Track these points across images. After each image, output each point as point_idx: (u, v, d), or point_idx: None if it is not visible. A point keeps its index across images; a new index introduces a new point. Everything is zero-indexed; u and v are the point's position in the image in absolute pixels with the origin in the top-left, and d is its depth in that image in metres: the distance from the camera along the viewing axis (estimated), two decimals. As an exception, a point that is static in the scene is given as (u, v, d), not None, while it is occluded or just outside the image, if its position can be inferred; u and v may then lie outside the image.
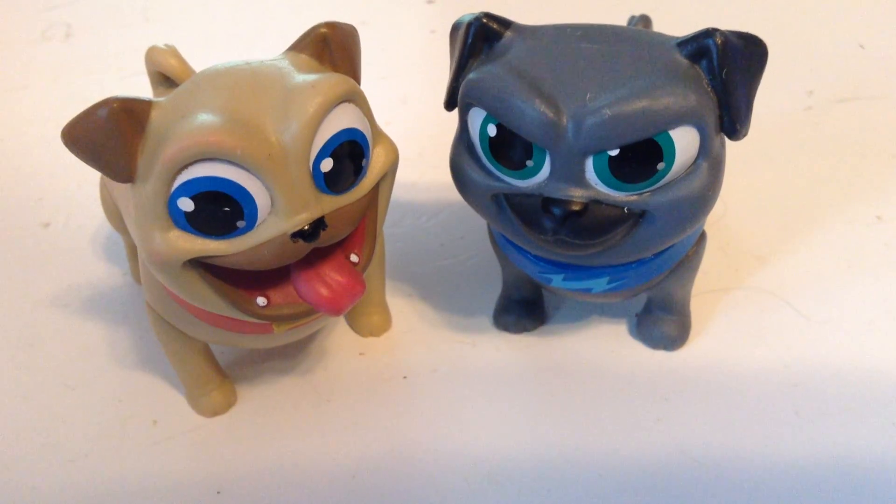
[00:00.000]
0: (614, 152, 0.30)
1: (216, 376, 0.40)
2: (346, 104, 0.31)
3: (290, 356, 0.42)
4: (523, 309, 0.42)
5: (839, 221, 0.48)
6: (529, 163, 0.32)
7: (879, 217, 0.48)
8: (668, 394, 0.39)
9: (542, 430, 0.38)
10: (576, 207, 0.31)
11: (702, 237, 0.38)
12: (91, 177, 0.47)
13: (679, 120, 0.30)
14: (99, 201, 0.45)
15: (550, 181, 0.32)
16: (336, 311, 0.32)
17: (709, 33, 0.31)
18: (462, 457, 0.37)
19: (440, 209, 0.50)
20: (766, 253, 0.46)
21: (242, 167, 0.28)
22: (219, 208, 0.29)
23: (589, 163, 0.31)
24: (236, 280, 0.32)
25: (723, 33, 0.31)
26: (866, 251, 0.46)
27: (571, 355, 0.42)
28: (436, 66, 0.51)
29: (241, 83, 0.30)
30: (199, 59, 0.38)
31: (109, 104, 0.28)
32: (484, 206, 0.34)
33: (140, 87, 0.38)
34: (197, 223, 0.29)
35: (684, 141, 0.31)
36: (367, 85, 0.33)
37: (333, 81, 0.30)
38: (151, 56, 0.39)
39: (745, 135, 0.32)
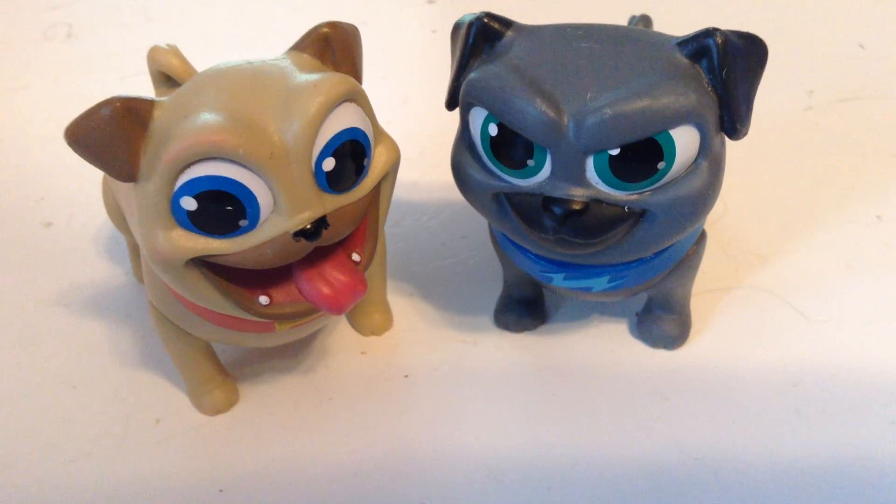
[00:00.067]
0: (615, 151, 0.30)
1: (218, 375, 0.40)
2: (347, 104, 0.31)
3: (291, 355, 0.42)
4: (524, 308, 0.42)
5: (839, 221, 0.48)
6: (530, 162, 0.32)
7: (879, 217, 0.48)
8: (669, 393, 0.40)
9: (542, 429, 0.38)
10: (576, 206, 0.31)
11: (702, 236, 0.38)
12: (93, 176, 0.47)
13: (679, 119, 0.30)
14: (101, 201, 0.45)
15: (551, 180, 0.32)
16: (338, 310, 0.32)
17: (709, 33, 0.31)
18: (463, 455, 0.38)
19: (441, 209, 0.50)
20: (767, 252, 0.46)
21: (245, 166, 0.29)
22: (221, 207, 0.29)
23: (590, 162, 0.31)
24: (239, 279, 0.32)
25: (723, 33, 0.31)
26: (866, 251, 0.46)
27: (572, 354, 0.42)
28: (436, 66, 0.51)
29: (243, 83, 0.30)
30: (201, 59, 0.38)
31: (112, 103, 0.28)
32: (485, 205, 0.35)
33: (141, 87, 0.38)
34: (200, 222, 0.29)
35: (684, 140, 0.31)
36: (368, 85, 0.33)
37: (335, 81, 0.30)
38: (153, 56, 0.39)
39: (745, 134, 0.32)
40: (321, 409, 0.40)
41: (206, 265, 0.31)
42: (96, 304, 0.45)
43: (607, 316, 0.43)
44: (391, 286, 0.45)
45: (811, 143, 0.54)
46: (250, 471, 0.37)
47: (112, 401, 0.41)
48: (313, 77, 0.30)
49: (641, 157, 0.31)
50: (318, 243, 0.31)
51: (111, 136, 0.29)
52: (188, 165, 0.28)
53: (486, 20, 0.33)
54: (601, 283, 0.36)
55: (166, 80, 0.39)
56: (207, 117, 0.28)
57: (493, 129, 0.32)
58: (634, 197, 0.32)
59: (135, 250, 0.45)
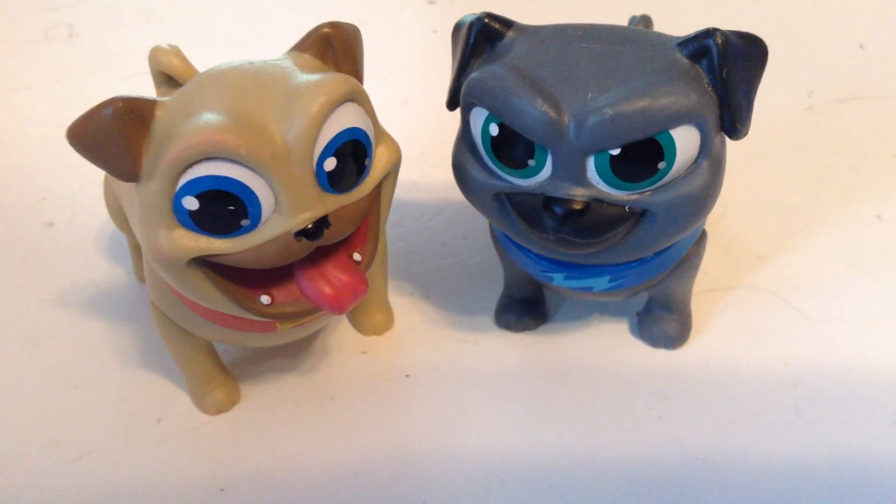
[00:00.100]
0: (615, 151, 0.30)
1: (220, 374, 0.40)
2: (349, 104, 0.31)
3: (292, 355, 0.42)
4: (525, 308, 0.43)
5: (839, 221, 0.48)
6: (531, 162, 0.32)
7: (880, 216, 0.48)
8: (669, 392, 0.40)
9: (543, 428, 0.38)
10: (577, 206, 0.31)
11: (702, 236, 0.38)
12: (94, 176, 0.47)
13: (680, 119, 0.30)
14: (102, 201, 0.45)
15: (552, 180, 0.32)
16: (339, 310, 0.32)
17: (709, 33, 0.31)
18: (464, 454, 0.38)
19: (442, 209, 0.50)
20: (767, 252, 0.46)
21: (246, 166, 0.29)
22: (223, 207, 0.29)
23: (590, 162, 0.31)
24: (240, 278, 0.32)
25: (723, 33, 0.31)
26: (866, 250, 0.46)
27: (572, 354, 0.42)
28: (437, 67, 0.52)
29: (244, 83, 0.30)
30: (202, 59, 0.39)
31: (114, 103, 0.28)
32: (486, 205, 0.35)
33: (142, 88, 0.38)
34: (201, 222, 0.29)
35: (685, 140, 0.31)
36: (369, 85, 0.33)
37: (336, 81, 0.30)
38: (155, 56, 0.39)
39: (745, 134, 0.33)
40: (322, 408, 0.40)
41: (208, 265, 0.31)
42: (98, 303, 0.46)
43: (608, 316, 0.43)
44: (392, 286, 0.45)
45: (811, 143, 0.54)
46: (251, 470, 0.37)
47: (113, 400, 0.41)
48: (315, 77, 0.30)
49: (642, 156, 0.31)
50: (320, 243, 0.31)
51: (113, 135, 0.29)
52: (190, 165, 0.28)
53: (486, 20, 0.34)
54: (602, 282, 0.36)
55: (168, 80, 0.39)
56: (209, 117, 0.29)
57: (493, 129, 0.32)
58: (635, 197, 0.32)
59: (136, 250, 0.46)
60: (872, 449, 0.37)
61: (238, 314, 0.33)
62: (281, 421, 0.39)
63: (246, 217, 0.29)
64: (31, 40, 0.69)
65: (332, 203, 0.31)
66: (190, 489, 0.37)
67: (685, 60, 0.31)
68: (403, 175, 0.36)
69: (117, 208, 0.42)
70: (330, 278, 0.32)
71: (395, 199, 0.36)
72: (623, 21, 0.46)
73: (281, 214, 0.30)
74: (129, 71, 0.64)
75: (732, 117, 0.32)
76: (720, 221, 0.48)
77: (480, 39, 0.34)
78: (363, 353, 0.43)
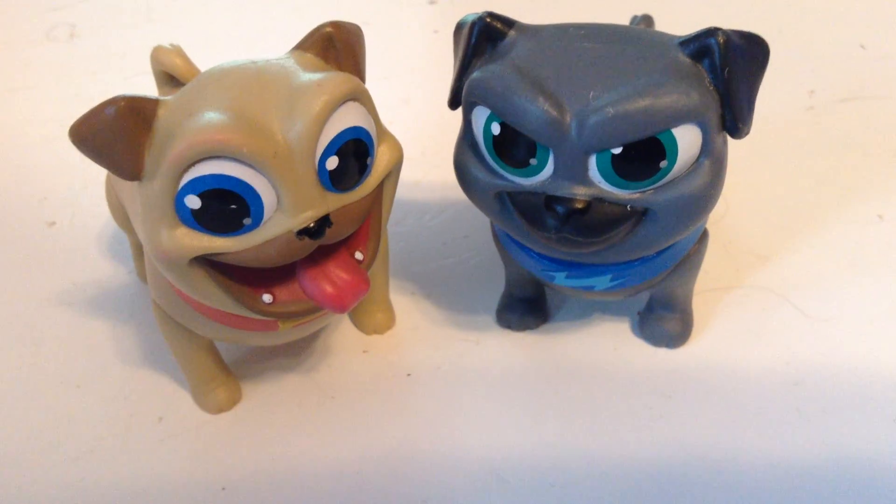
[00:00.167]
0: (617, 150, 0.30)
1: (221, 373, 0.40)
2: (351, 103, 0.31)
3: (294, 354, 0.42)
4: (526, 307, 0.43)
5: (841, 220, 0.48)
6: (533, 161, 0.32)
7: (881, 216, 0.48)
8: (670, 391, 0.40)
9: (544, 427, 0.39)
10: (579, 205, 0.31)
11: (704, 235, 0.38)
12: (96, 176, 0.47)
13: (681, 118, 0.30)
14: (104, 200, 0.45)
15: (554, 179, 0.32)
16: (341, 309, 0.33)
17: (711, 32, 0.31)
18: (465, 453, 0.38)
19: (443, 208, 0.51)
20: (768, 252, 0.46)
21: (249, 165, 0.29)
22: (225, 206, 0.29)
23: (592, 161, 0.31)
24: (242, 277, 0.32)
25: (725, 32, 0.31)
26: (868, 250, 0.46)
27: (574, 353, 0.42)
28: (438, 66, 0.52)
29: (247, 82, 0.30)
30: (204, 59, 0.39)
31: (117, 102, 0.28)
32: (487, 204, 0.35)
33: (144, 88, 0.38)
34: (204, 220, 0.29)
35: (687, 139, 0.31)
36: (370, 85, 0.33)
37: (339, 80, 0.30)
38: (157, 55, 0.39)
39: (746, 133, 0.33)
40: (323, 407, 0.40)
41: (210, 263, 0.31)
42: (99, 303, 0.46)
43: (609, 315, 0.44)
44: (393, 285, 0.45)
45: (812, 142, 0.54)
46: (253, 469, 0.37)
47: (115, 399, 0.41)
48: (317, 76, 0.30)
49: (644, 155, 0.31)
50: (322, 242, 0.31)
51: (115, 134, 0.29)
52: (192, 164, 0.28)
53: (488, 20, 0.34)
54: (603, 281, 0.36)
55: (170, 79, 0.39)
56: (211, 116, 0.29)
57: (495, 129, 0.32)
58: (637, 196, 0.32)
59: (138, 249, 0.46)
60: (873, 448, 0.37)
61: (240, 313, 0.33)
62: (282, 420, 0.39)
63: (248, 216, 0.29)
64: (33, 40, 0.69)
65: (333, 202, 0.31)
66: (191, 488, 0.37)
67: (687, 60, 0.31)
68: (405, 174, 0.36)
69: (119, 207, 0.42)
70: (332, 277, 0.32)
71: (396, 198, 0.36)
72: (625, 21, 0.46)
73: (283, 213, 0.30)
74: (131, 71, 0.64)
75: (734, 116, 0.32)
76: (721, 221, 0.48)
77: (482, 39, 0.34)
78: (364, 352, 0.43)
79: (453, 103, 0.36)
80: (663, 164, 0.31)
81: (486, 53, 0.34)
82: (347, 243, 0.34)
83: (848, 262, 0.45)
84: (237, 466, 0.38)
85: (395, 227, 0.49)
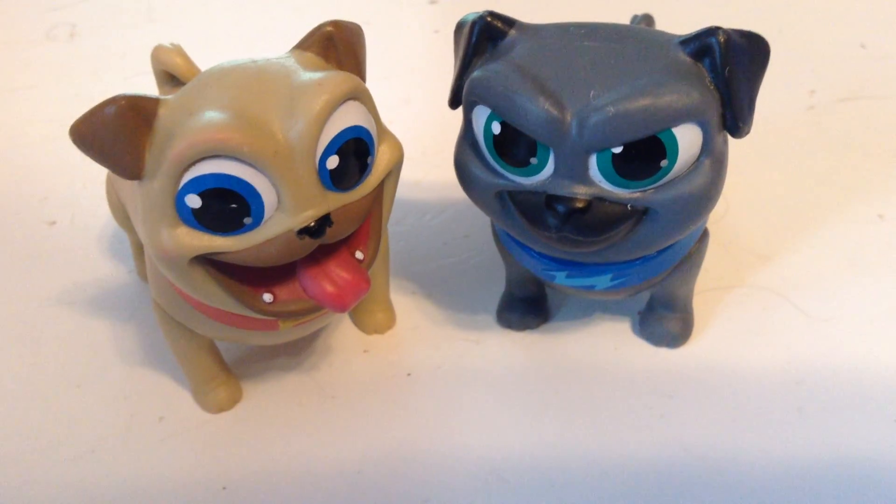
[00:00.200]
0: (618, 150, 0.30)
1: (222, 373, 0.40)
2: (351, 102, 0.31)
3: (294, 353, 0.42)
4: (527, 307, 0.43)
5: (841, 220, 0.48)
6: (533, 160, 0.32)
7: (881, 216, 0.48)
8: (671, 391, 0.40)
9: (544, 427, 0.39)
10: (579, 204, 0.31)
11: (704, 235, 0.38)
12: (97, 175, 0.47)
13: (682, 117, 0.30)
14: (104, 199, 0.45)
15: (554, 178, 0.32)
16: (341, 308, 0.33)
17: (711, 31, 0.31)
18: (465, 453, 0.38)
19: (444, 208, 0.51)
20: (769, 251, 0.46)
21: (249, 164, 0.29)
22: (226, 205, 0.29)
23: (593, 160, 0.31)
24: (243, 277, 0.32)
25: (725, 31, 0.31)
26: (868, 249, 0.46)
27: (574, 353, 0.42)
28: (438, 66, 0.52)
29: (247, 81, 0.30)
30: (204, 58, 0.39)
31: (117, 101, 0.28)
32: (488, 203, 0.35)
33: (144, 87, 0.38)
34: (204, 220, 0.29)
35: (687, 138, 0.31)
36: (370, 84, 0.33)
37: (339, 79, 0.30)
38: (157, 55, 0.39)
39: (747, 132, 0.33)
40: (324, 407, 0.40)
41: (211, 263, 0.31)
42: (99, 302, 0.46)
43: (610, 315, 0.44)
44: (394, 285, 0.45)
45: (813, 142, 0.54)
46: (253, 468, 0.37)
47: (115, 399, 0.41)
48: (317, 75, 0.30)
49: (644, 155, 0.31)
50: (322, 241, 0.31)
51: (116, 134, 0.29)
52: (193, 163, 0.28)
53: (489, 19, 0.34)
54: (604, 281, 0.36)
55: (170, 79, 0.39)
56: (212, 115, 0.29)
57: (496, 128, 0.32)
58: (637, 195, 0.32)
59: (138, 248, 0.46)
60: (874, 447, 0.37)
61: (240, 312, 0.33)
62: (283, 419, 0.39)
63: (248, 215, 0.29)
64: (33, 40, 0.69)
65: (334, 201, 0.31)
66: (192, 487, 0.37)
67: (687, 59, 0.31)
68: (405, 174, 0.36)
69: (119, 207, 0.42)
70: (332, 276, 0.32)
71: (396, 197, 0.36)
72: (625, 20, 0.46)
73: (283, 212, 0.30)
74: (131, 70, 0.64)
75: (734, 116, 0.32)
76: (722, 220, 0.48)
77: (483, 38, 0.34)
78: (365, 351, 0.43)
79: (454, 103, 0.36)
80: (664, 163, 0.31)
81: (486, 53, 0.34)
82: (348, 243, 0.34)
83: (848, 261, 0.45)
84: (238, 466, 0.38)
85: (396, 226, 0.49)
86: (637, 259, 0.36)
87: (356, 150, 0.31)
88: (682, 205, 0.32)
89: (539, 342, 0.42)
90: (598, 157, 0.31)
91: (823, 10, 0.66)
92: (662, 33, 0.33)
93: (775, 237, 0.47)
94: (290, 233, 0.30)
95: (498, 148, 0.33)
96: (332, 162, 0.30)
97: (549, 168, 0.32)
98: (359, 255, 0.34)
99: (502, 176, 0.33)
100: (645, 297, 0.42)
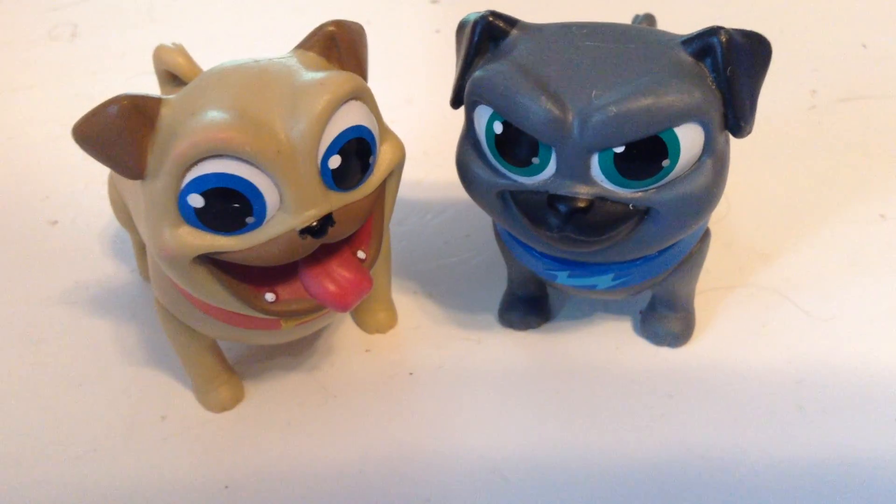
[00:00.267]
0: (620, 149, 0.30)
1: (224, 372, 0.40)
2: (353, 102, 0.31)
3: (297, 353, 0.42)
4: (528, 306, 0.43)
5: (843, 220, 0.48)
6: (535, 160, 0.32)
7: (883, 215, 0.48)
8: (672, 390, 0.40)
9: (546, 426, 0.39)
10: (581, 204, 0.31)
11: (706, 234, 0.38)
12: (98, 175, 0.47)
13: (684, 117, 0.30)
14: (106, 199, 0.45)
15: (556, 178, 0.32)
16: (343, 307, 0.33)
17: (713, 31, 0.31)
18: (467, 452, 0.38)
19: (445, 207, 0.51)
20: (770, 251, 0.46)
21: (252, 164, 0.29)
22: (228, 204, 0.29)
23: (594, 160, 0.31)
24: (245, 276, 0.32)
25: (727, 31, 0.31)
26: (870, 249, 0.46)
27: (576, 352, 0.42)
28: (440, 66, 0.52)
29: (249, 81, 0.30)
30: (206, 58, 0.39)
31: (120, 101, 0.28)
32: (490, 203, 0.35)
33: (146, 87, 0.38)
34: (207, 219, 0.29)
35: (689, 138, 0.31)
36: (372, 84, 0.33)
37: (341, 79, 0.30)
38: (159, 55, 0.39)
39: (749, 132, 0.33)
40: (326, 406, 0.40)
41: (213, 262, 0.31)
42: (101, 302, 0.46)
43: (611, 314, 0.44)
44: (395, 284, 0.45)
45: (814, 142, 0.54)
46: (256, 467, 0.38)
47: (117, 398, 0.41)
48: (319, 75, 0.30)
49: (646, 154, 0.31)
50: (324, 241, 0.31)
51: (119, 133, 0.29)
52: (195, 163, 0.28)
53: (491, 19, 0.34)
54: (605, 280, 0.36)
55: (172, 79, 0.39)
56: (215, 115, 0.29)
57: (497, 127, 0.32)
58: (639, 195, 0.32)
59: (140, 248, 0.46)
60: (875, 446, 0.37)
61: (243, 312, 0.33)
62: (285, 418, 0.39)
63: (251, 215, 0.30)
64: (35, 40, 0.69)
65: (336, 201, 0.31)
66: (194, 486, 0.37)
67: (689, 58, 0.31)
68: (407, 174, 0.36)
69: (122, 206, 0.42)
70: (334, 276, 0.33)
71: (398, 197, 0.36)
72: (627, 19, 0.46)
73: (286, 212, 0.30)
74: (133, 70, 0.64)
75: (736, 115, 0.32)
76: (723, 220, 0.48)
77: (484, 38, 0.34)
78: (367, 351, 0.43)
79: (455, 102, 0.36)
80: (665, 163, 0.31)
81: (488, 52, 0.34)
82: (350, 242, 0.34)
83: (850, 261, 0.45)
84: (240, 465, 0.38)
85: (398, 226, 0.49)
86: (638, 259, 0.36)
87: (358, 150, 0.31)
88: (683, 204, 0.32)
89: (540, 342, 0.43)
90: (599, 157, 0.31)
91: (825, 10, 0.66)
92: (664, 33, 0.33)
93: (777, 237, 0.47)
94: (292, 232, 0.30)
95: (500, 148, 0.33)
96: (335, 161, 0.30)
97: (551, 168, 0.32)
98: (361, 254, 0.34)
99: (504, 176, 0.33)
100: (646, 296, 0.42)
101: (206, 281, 0.31)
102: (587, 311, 0.44)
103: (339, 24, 0.33)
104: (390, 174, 0.34)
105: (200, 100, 0.30)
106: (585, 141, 0.30)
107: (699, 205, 0.32)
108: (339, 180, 0.31)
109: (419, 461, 0.37)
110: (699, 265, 0.39)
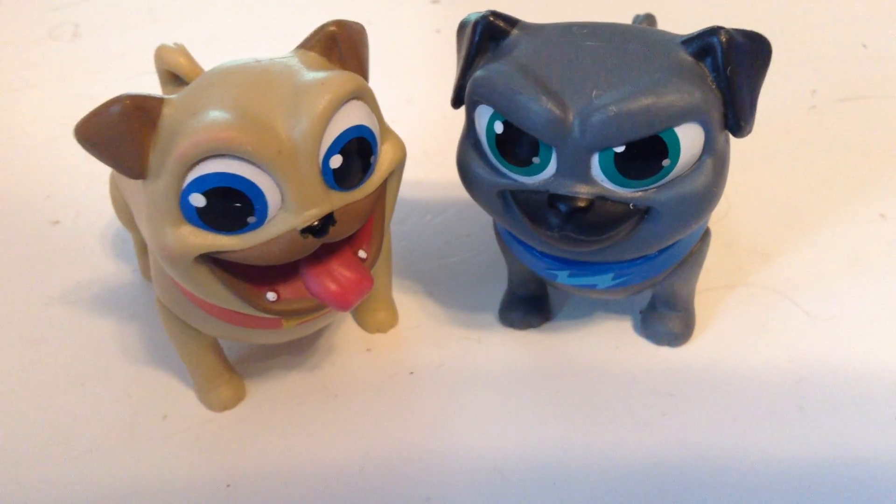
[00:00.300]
0: (620, 149, 0.30)
1: (225, 371, 0.40)
2: (354, 101, 0.31)
3: (298, 352, 0.42)
4: (529, 305, 0.43)
5: (843, 219, 0.48)
6: (536, 160, 0.32)
7: (883, 215, 0.48)
8: (673, 390, 0.40)
9: (546, 426, 0.39)
10: (581, 204, 0.31)
11: (706, 234, 0.38)
12: (100, 174, 0.47)
13: (684, 117, 0.30)
14: (108, 198, 0.45)
15: (556, 178, 0.32)
16: (344, 307, 0.33)
17: (713, 31, 0.31)
18: (467, 451, 0.38)
19: (446, 207, 0.51)
20: (770, 250, 0.46)
21: (253, 163, 0.29)
22: (230, 204, 0.29)
23: (595, 159, 0.31)
24: (246, 275, 0.32)
25: (727, 31, 0.31)
26: (870, 249, 0.46)
27: (576, 352, 0.42)
28: (441, 66, 0.52)
29: (251, 80, 0.30)
30: (207, 58, 0.39)
31: (122, 101, 0.28)
32: (490, 202, 0.35)
33: (147, 87, 0.38)
34: (208, 219, 0.30)
35: (689, 138, 0.31)
36: (373, 84, 0.33)
37: (342, 79, 0.30)
38: (161, 54, 0.39)
39: (749, 132, 0.33)
40: (327, 405, 0.40)
41: (215, 261, 0.31)
42: (103, 301, 0.46)
43: (611, 314, 0.44)
44: (396, 284, 0.45)
45: (815, 141, 0.54)
46: (257, 466, 0.38)
47: (119, 397, 0.41)
48: (321, 75, 0.30)
49: (646, 154, 0.31)
50: (326, 240, 0.31)
51: (121, 133, 0.29)
52: (197, 162, 0.29)
53: (491, 18, 0.34)
54: (606, 280, 0.36)
55: (174, 78, 0.39)
56: (216, 115, 0.29)
57: (498, 127, 0.32)
58: (639, 194, 0.32)
59: (141, 248, 0.46)
60: (876, 446, 0.37)
61: (244, 311, 0.33)
62: (286, 418, 0.40)
63: (252, 214, 0.30)
64: (36, 39, 0.69)
65: (337, 200, 0.31)
66: (196, 485, 0.37)
67: (689, 58, 0.32)
68: (408, 173, 0.36)
69: (123, 206, 0.42)
70: (335, 275, 0.33)
71: (399, 197, 0.36)
72: (627, 19, 0.46)
73: (287, 211, 0.30)
74: (134, 70, 0.64)
75: (736, 115, 0.32)
76: (724, 219, 0.48)
77: (485, 37, 0.34)
78: (368, 350, 0.43)
79: (456, 102, 0.36)
80: (666, 162, 0.31)
81: (489, 52, 0.34)
82: (351, 242, 0.34)
83: (850, 260, 0.45)
84: (241, 464, 0.38)
85: (398, 225, 0.49)
86: (638, 258, 0.36)
87: (359, 150, 0.31)
88: (683, 204, 0.32)
89: (541, 341, 0.43)
90: (600, 157, 0.31)
91: (825, 10, 0.66)
92: (664, 33, 0.33)
93: (777, 236, 0.47)
94: (293, 232, 0.30)
95: (500, 147, 0.33)
96: (336, 161, 0.30)
97: (552, 167, 0.32)
98: (362, 254, 0.34)
99: (504, 175, 0.33)
100: (646, 296, 0.42)
101: (207, 280, 0.31)
102: (587, 310, 0.44)
103: (341, 24, 0.33)
104: (391, 174, 0.34)
105: (202, 99, 0.30)
106: (586, 140, 0.30)
107: (699, 204, 0.32)
108: (340, 180, 0.31)
109: (420, 460, 0.38)
110: (699, 265, 0.39)
